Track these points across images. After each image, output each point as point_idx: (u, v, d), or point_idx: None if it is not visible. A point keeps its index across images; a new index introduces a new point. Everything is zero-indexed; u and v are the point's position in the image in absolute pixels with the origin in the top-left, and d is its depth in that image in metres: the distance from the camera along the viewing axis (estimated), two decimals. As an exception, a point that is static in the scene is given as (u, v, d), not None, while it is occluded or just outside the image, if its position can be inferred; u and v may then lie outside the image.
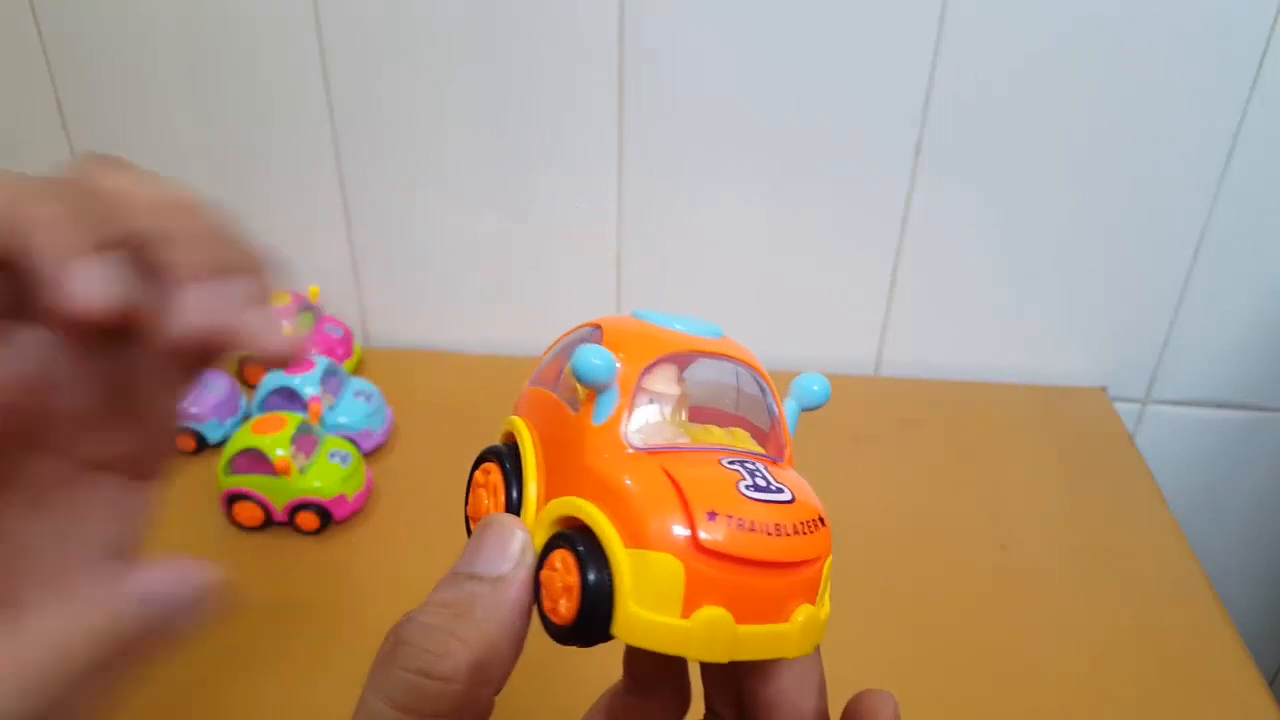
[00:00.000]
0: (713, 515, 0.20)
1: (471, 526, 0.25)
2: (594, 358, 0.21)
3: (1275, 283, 0.65)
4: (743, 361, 0.24)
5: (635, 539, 0.20)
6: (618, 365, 0.22)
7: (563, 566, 0.21)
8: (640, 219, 0.66)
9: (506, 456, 0.24)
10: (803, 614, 0.22)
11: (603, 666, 0.28)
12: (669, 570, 0.20)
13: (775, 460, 0.24)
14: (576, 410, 0.22)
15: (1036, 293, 0.67)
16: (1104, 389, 0.70)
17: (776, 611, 0.21)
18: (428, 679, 0.20)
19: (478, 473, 0.25)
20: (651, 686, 0.27)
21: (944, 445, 0.64)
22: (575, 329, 0.25)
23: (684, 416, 0.23)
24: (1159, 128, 0.61)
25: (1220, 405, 0.70)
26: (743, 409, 0.24)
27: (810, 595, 0.22)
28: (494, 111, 0.63)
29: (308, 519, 0.54)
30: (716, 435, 0.23)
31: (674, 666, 0.27)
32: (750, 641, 0.21)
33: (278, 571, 0.53)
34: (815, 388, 0.25)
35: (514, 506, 0.23)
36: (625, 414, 0.22)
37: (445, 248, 0.69)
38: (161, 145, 0.67)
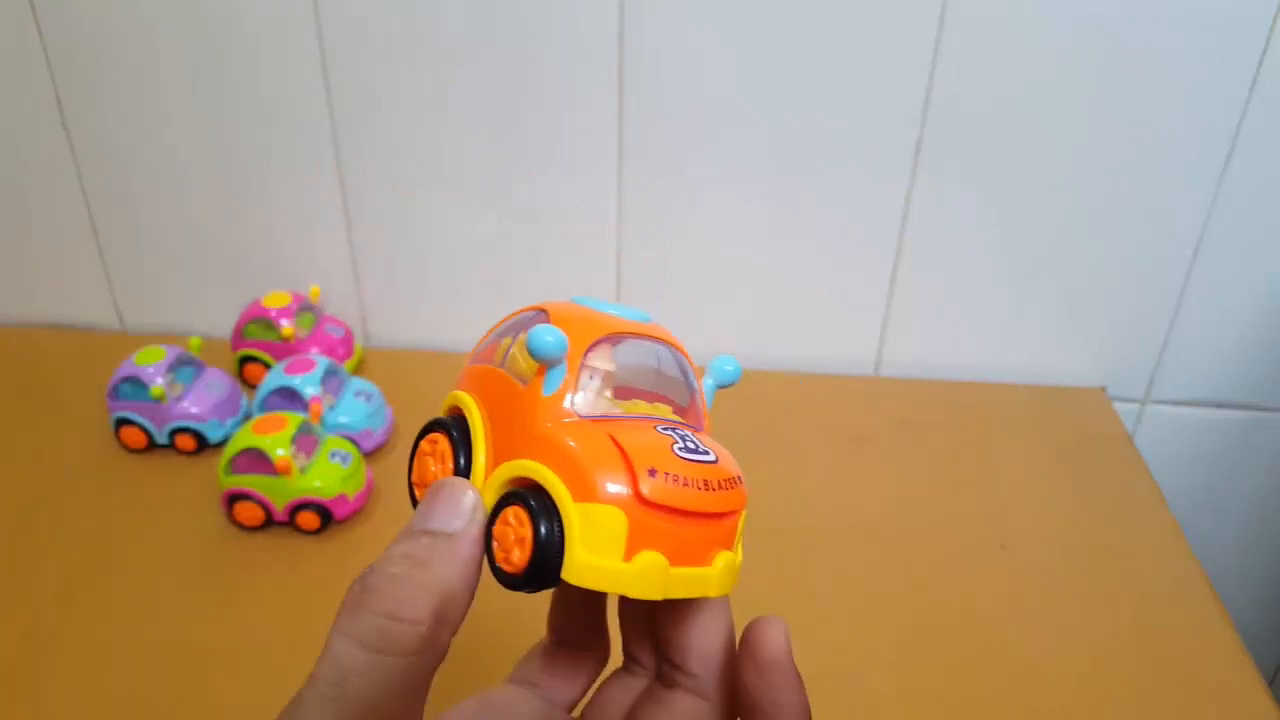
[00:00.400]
0: (652, 472, 0.23)
1: (416, 493, 0.27)
2: (548, 335, 0.24)
3: (1275, 283, 0.65)
4: (669, 343, 0.27)
5: (584, 494, 0.23)
6: (568, 343, 0.24)
7: (516, 521, 0.24)
8: (640, 219, 0.67)
9: (453, 426, 0.26)
10: (723, 559, 0.25)
11: (533, 622, 0.31)
12: (614, 520, 0.23)
13: (697, 429, 0.27)
14: (526, 384, 0.25)
15: (1036, 293, 0.67)
16: (1104, 389, 0.70)
17: (701, 556, 0.25)
18: (396, 621, 0.22)
19: (424, 442, 0.27)
20: (574, 640, 0.30)
21: (944, 445, 0.64)
22: (517, 312, 0.28)
23: (609, 393, 0.26)
24: (1159, 128, 0.61)
25: (1220, 405, 0.70)
26: (662, 387, 0.27)
27: (728, 543, 0.25)
28: (494, 111, 0.63)
29: (308, 519, 0.54)
30: (644, 408, 0.26)
31: (594, 621, 0.30)
32: (680, 581, 0.24)
33: (278, 571, 0.53)
34: (728, 368, 0.28)
35: (462, 471, 0.26)
36: (571, 387, 0.24)
37: (445, 248, 0.69)
38: (161, 145, 0.67)
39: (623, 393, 0.26)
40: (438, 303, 0.71)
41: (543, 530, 0.23)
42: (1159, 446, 0.71)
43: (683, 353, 0.27)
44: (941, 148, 0.62)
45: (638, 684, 0.29)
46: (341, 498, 0.54)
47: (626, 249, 0.68)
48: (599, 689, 0.30)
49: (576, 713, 0.30)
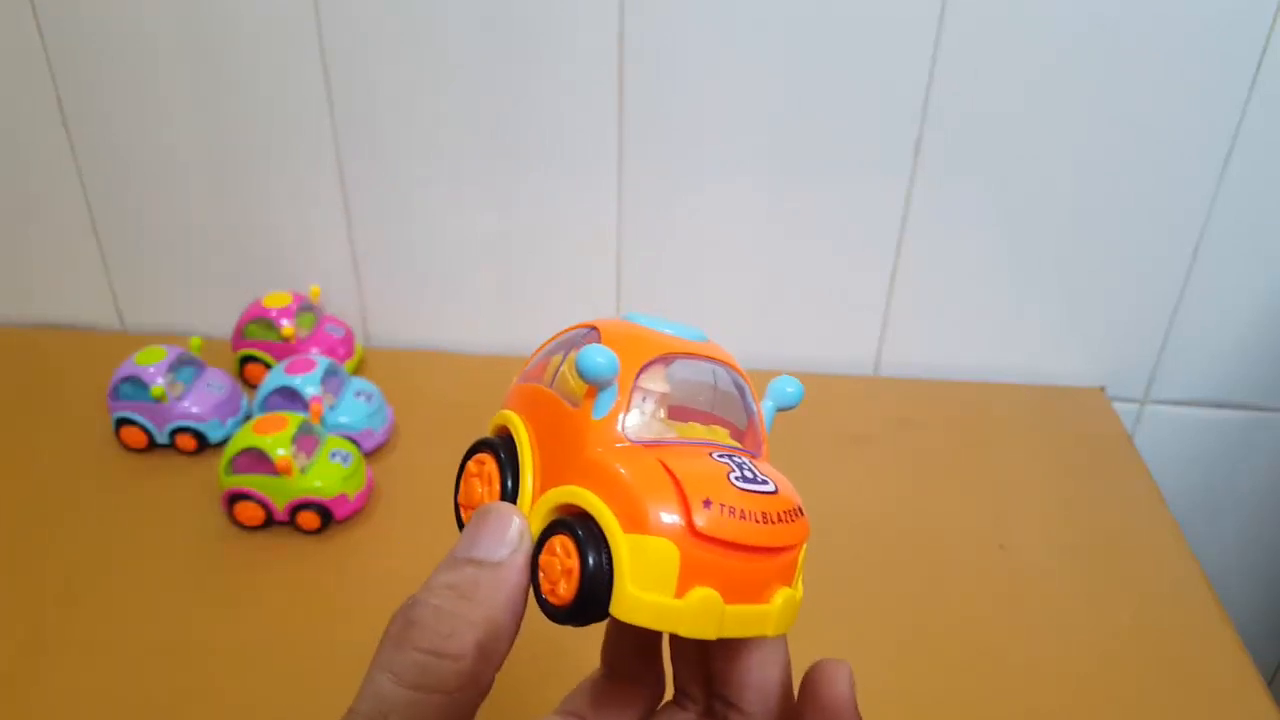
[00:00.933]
0: (707, 503, 0.22)
1: (462, 515, 0.26)
2: (598, 356, 0.22)
3: (1275, 283, 0.65)
4: (726, 363, 0.26)
5: (634, 525, 0.22)
6: (619, 364, 0.23)
7: (563, 551, 0.23)
8: (640, 219, 0.67)
9: (501, 447, 0.25)
10: (782, 596, 0.24)
11: (581, 653, 0.30)
12: (665, 554, 0.22)
13: (754, 455, 0.25)
14: (576, 406, 0.24)
15: (1036, 293, 0.67)
16: (1103, 389, 0.70)
17: (759, 593, 0.23)
18: (438, 658, 0.21)
19: (470, 463, 0.26)
20: (627, 672, 0.29)
21: (943, 445, 0.64)
22: (568, 329, 0.27)
23: (664, 414, 0.24)
24: (1159, 128, 0.61)
25: (1219, 405, 0.70)
26: (718, 408, 0.26)
27: (788, 578, 0.24)
28: (494, 111, 0.63)
29: (309, 518, 0.54)
30: (699, 432, 0.25)
31: (649, 653, 0.29)
32: (736, 620, 0.23)
33: (278, 571, 0.53)
34: (790, 389, 0.27)
35: (509, 495, 0.25)
36: (623, 410, 0.23)
37: (446, 248, 0.69)
38: (161, 145, 0.67)
39: (678, 413, 0.25)
40: (438, 303, 0.71)
41: (590, 562, 0.22)
42: (1158, 446, 0.71)
43: (740, 373, 0.26)
44: (941, 148, 0.62)
45: (688, 719, 0.28)
46: (342, 498, 0.54)
47: (626, 249, 0.68)
48: (645, 716, 0.29)
49: None
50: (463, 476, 0.26)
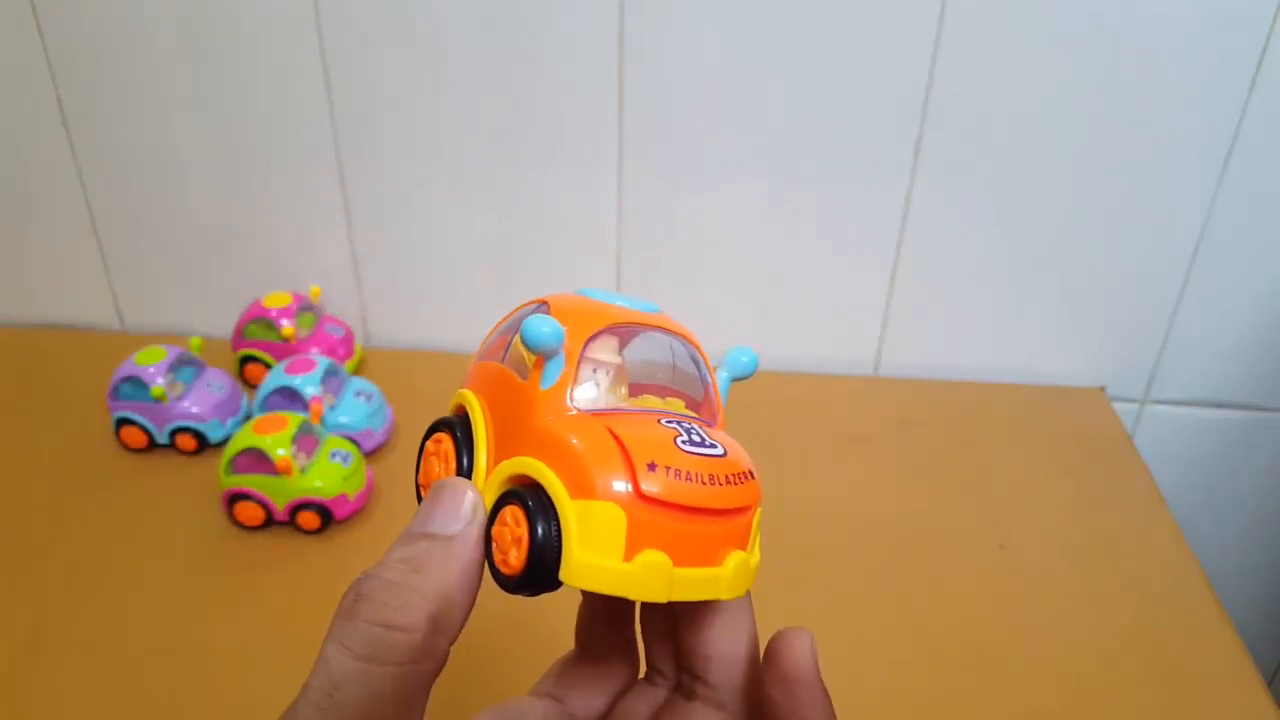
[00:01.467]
0: (652, 466, 0.22)
1: (422, 493, 0.26)
2: (542, 325, 0.23)
3: (1275, 283, 0.65)
4: (678, 334, 0.26)
5: (580, 490, 0.22)
6: (564, 333, 0.23)
7: (513, 520, 0.23)
8: (640, 219, 0.67)
9: (457, 426, 0.26)
10: (734, 559, 0.24)
11: (557, 635, 0.30)
12: (612, 517, 0.22)
13: (709, 424, 0.25)
14: (525, 378, 0.24)
15: (1036, 293, 0.67)
16: (1103, 389, 0.70)
17: (710, 556, 0.23)
18: (388, 630, 0.21)
19: (429, 442, 0.27)
20: (600, 651, 0.29)
21: (943, 445, 0.64)
22: (522, 306, 0.27)
23: (624, 391, 0.25)
24: (1159, 128, 0.61)
25: (1219, 405, 0.70)
26: (677, 382, 0.26)
27: (742, 542, 0.24)
28: (494, 112, 0.63)
29: (309, 518, 0.54)
30: (654, 404, 0.25)
31: (621, 630, 0.29)
32: (686, 583, 0.23)
33: (278, 571, 0.53)
34: (744, 359, 0.27)
35: (465, 471, 0.25)
36: (571, 379, 0.23)
37: (446, 248, 0.69)
38: (161, 145, 0.67)
39: (636, 389, 0.25)
40: (438, 303, 0.71)
41: (539, 530, 0.22)
42: (1159, 446, 0.71)
43: (694, 344, 0.26)
44: (941, 148, 0.62)
45: (658, 694, 0.28)
46: (342, 498, 0.54)
47: (626, 249, 0.68)
48: (619, 700, 0.29)
49: None
50: (422, 457, 0.27)
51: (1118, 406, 0.69)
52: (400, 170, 0.66)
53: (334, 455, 0.55)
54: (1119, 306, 0.67)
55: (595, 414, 0.23)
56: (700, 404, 0.26)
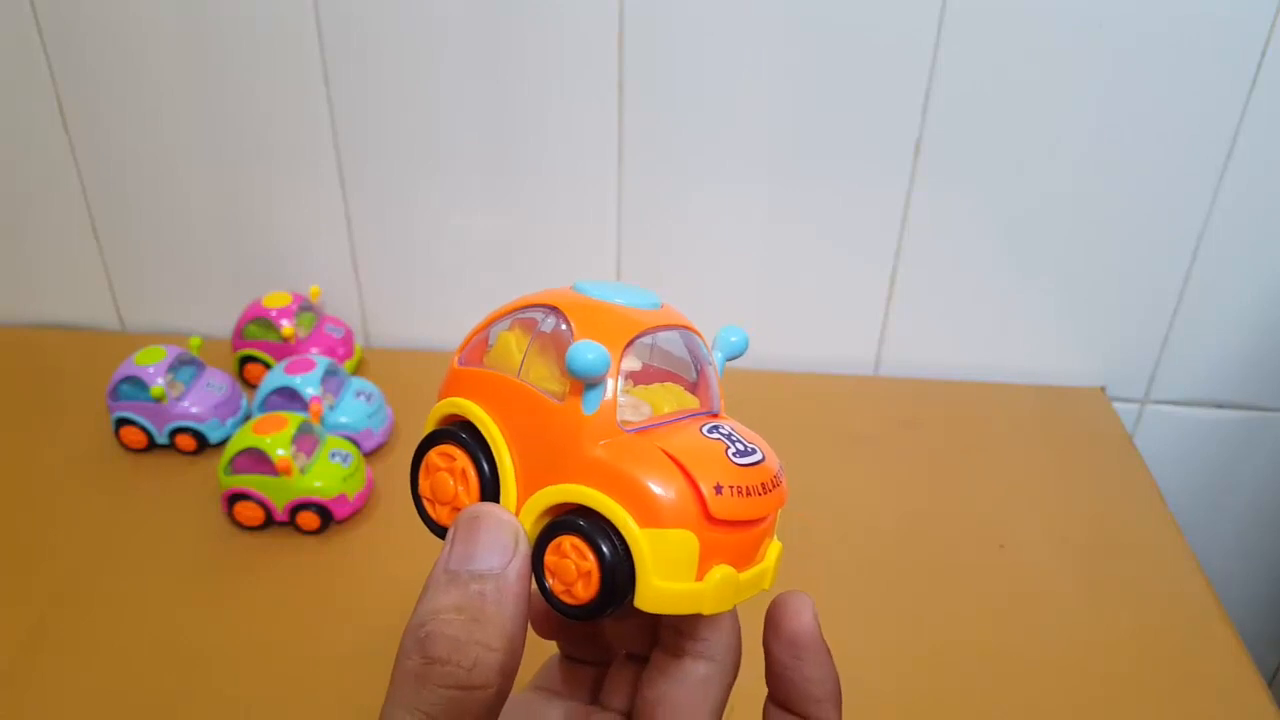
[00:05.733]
0: (718, 489, 0.22)
1: (429, 509, 0.26)
2: (588, 353, 0.22)
3: (1275, 283, 0.65)
4: (685, 328, 0.26)
5: (651, 519, 0.22)
6: (610, 360, 0.23)
7: (575, 553, 0.23)
8: (640, 219, 0.67)
9: (469, 441, 0.25)
10: (773, 551, 0.25)
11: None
12: (686, 544, 0.22)
13: (717, 413, 0.26)
14: (560, 401, 0.23)
15: (1036, 293, 0.67)
16: (1103, 389, 0.70)
17: (756, 553, 0.24)
18: (466, 692, 0.21)
19: (434, 455, 0.25)
20: (580, 653, 0.31)
21: (943, 445, 0.64)
22: (516, 305, 0.26)
23: (631, 384, 0.25)
24: (1158, 128, 0.61)
25: (1220, 405, 0.70)
26: (670, 364, 0.26)
27: (772, 533, 0.25)
28: (494, 112, 0.63)
29: (308, 519, 0.54)
30: (660, 395, 0.25)
31: (593, 632, 0.30)
32: (746, 586, 0.24)
33: (278, 571, 0.53)
34: (734, 339, 0.27)
35: (490, 493, 0.24)
36: (614, 401, 0.23)
37: (445, 248, 0.69)
38: (161, 145, 0.67)
39: (636, 377, 0.25)
40: (438, 303, 0.71)
41: (611, 563, 0.22)
42: (1158, 446, 0.71)
43: (696, 332, 0.26)
44: (941, 148, 0.62)
45: (638, 660, 0.29)
46: (342, 498, 0.54)
47: (626, 249, 0.68)
48: (609, 674, 0.30)
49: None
50: (423, 469, 0.26)
51: (1118, 406, 0.69)
52: (400, 170, 0.66)
53: (334, 455, 0.55)
54: (1119, 306, 0.67)
55: (641, 433, 0.23)
56: (695, 385, 0.26)
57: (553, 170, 0.65)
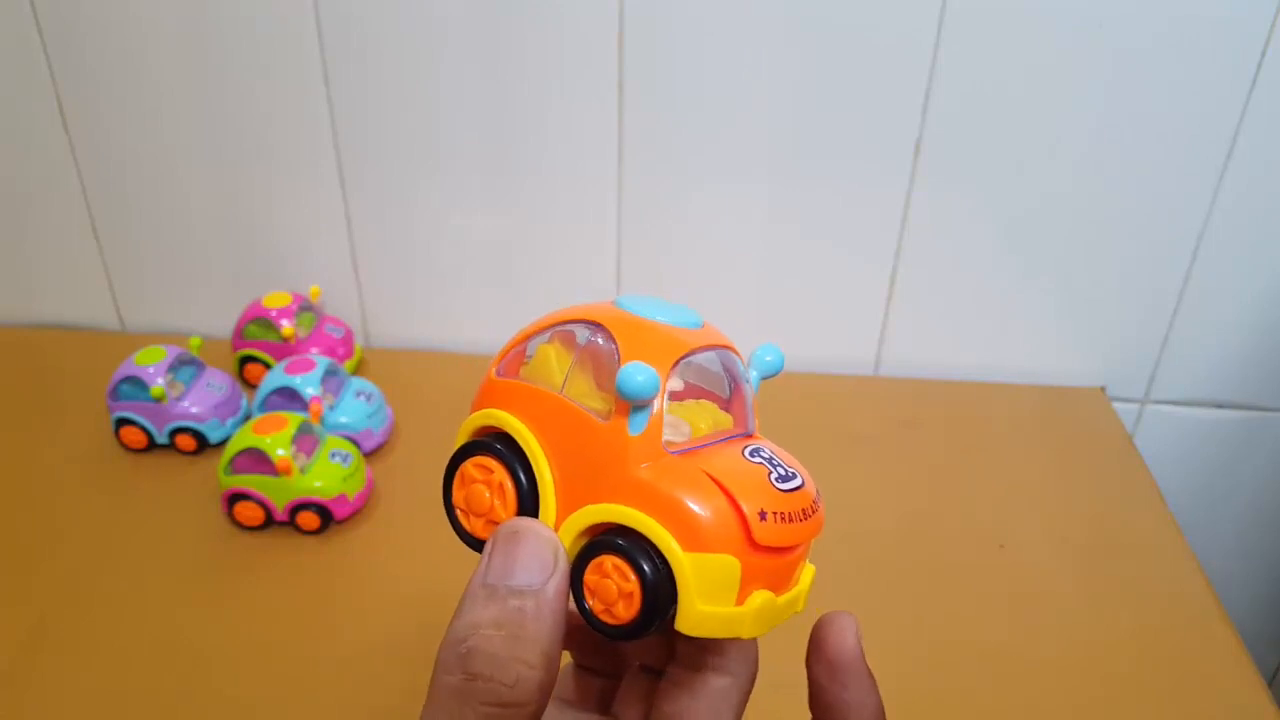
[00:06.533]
0: (763, 515, 0.22)
1: (463, 521, 0.25)
2: (638, 375, 0.22)
3: (1275, 283, 0.65)
4: (729, 348, 0.26)
5: (695, 544, 0.22)
6: (660, 381, 0.23)
7: (617, 573, 0.23)
8: (640, 219, 0.67)
9: (508, 454, 0.24)
10: (808, 573, 0.25)
11: None
12: (728, 569, 0.22)
13: (751, 434, 0.26)
14: (605, 420, 0.23)
15: (1036, 293, 0.67)
16: (1103, 389, 0.70)
17: (793, 577, 0.24)
18: (505, 708, 0.21)
19: (470, 466, 0.25)
20: (595, 664, 0.30)
21: (943, 445, 0.64)
22: (558, 319, 0.25)
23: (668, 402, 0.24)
24: (1159, 128, 0.61)
25: (1220, 405, 0.70)
26: (705, 381, 0.26)
27: (806, 555, 0.25)
28: (495, 112, 0.63)
29: (308, 519, 0.54)
30: (696, 412, 0.25)
31: (611, 645, 0.30)
32: (783, 608, 0.24)
33: (278, 571, 0.53)
34: (769, 358, 0.27)
35: (528, 507, 0.24)
36: (660, 423, 0.23)
37: (445, 248, 0.69)
38: (161, 145, 0.67)
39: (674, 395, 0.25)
40: (438, 303, 0.71)
41: (653, 585, 0.22)
42: (1158, 446, 0.71)
43: (734, 350, 0.26)
44: (941, 148, 0.62)
45: (653, 678, 0.29)
46: (342, 498, 0.54)
47: (626, 249, 0.68)
48: (622, 686, 0.30)
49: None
50: (458, 479, 0.25)
51: (1118, 406, 0.69)
52: (400, 170, 0.66)
53: (334, 455, 0.55)
54: (1119, 306, 0.67)
55: (685, 455, 0.23)
56: (729, 403, 0.26)
57: (553, 170, 0.65)
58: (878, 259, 0.67)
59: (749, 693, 0.27)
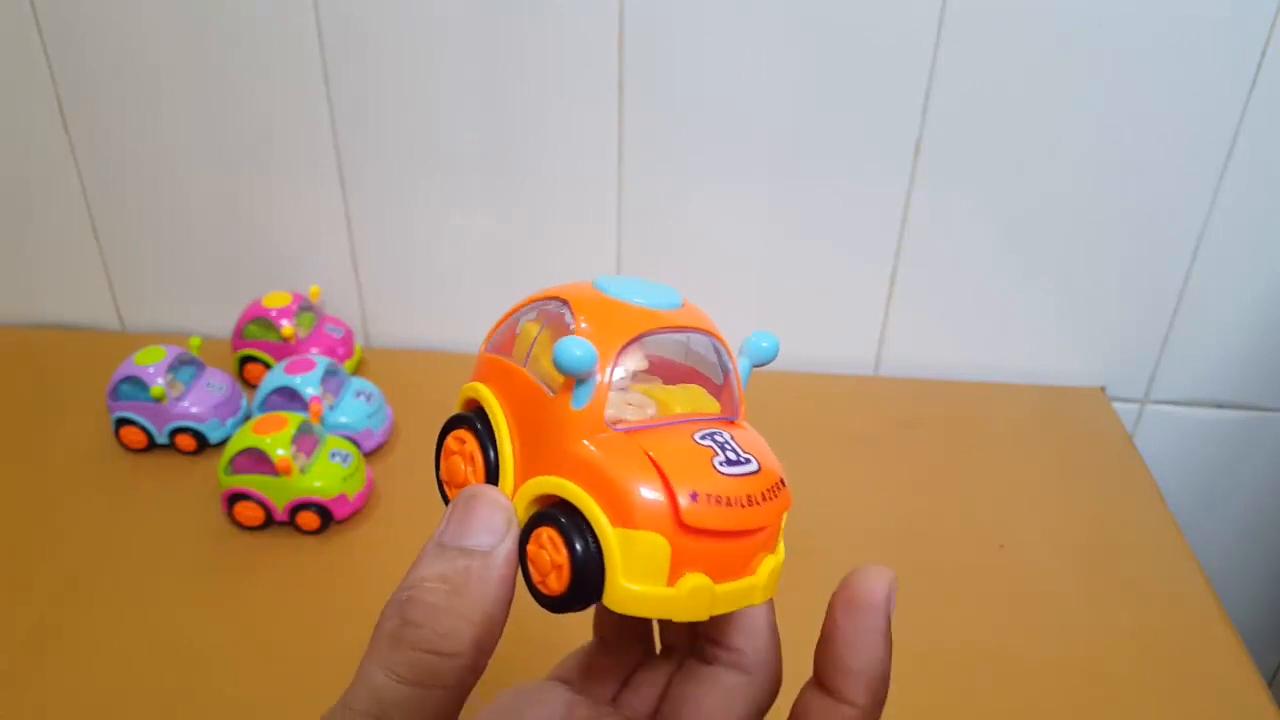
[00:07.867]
0: (694, 496, 0.22)
1: (447, 492, 0.26)
2: (575, 349, 0.22)
3: (1275, 283, 0.65)
4: (705, 330, 0.26)
5: (623, 519, 0.22)
6: (598, 357, 0.23)
7: (551, 545, 0.23)
8: (640, 219, 0.67)
9: (478, 423, 0.25)
10: (767, 565, 0.24)
11: (576, 625, 0.30)
12: (656, 547, 0.22)
13: (733, 420, 0.25)
14: (554, 393, 0.24)
15: (1036, 293, 0.67)
16: (1103, 389, 0.70)
17: (745, 567, 0.24)
18: (437, 656, 0.22)
19: (450, 439, 0.26)
20: (618, 643, 0.30)
21: (943, 445, 0.64)
22: (539, 297, 0.26)
23: (649, 388, 0.24)
24: (1159, 128, 0.61)
25: (1220, 405, 0.70)
26: (694, 363, 0.26)
27: (771, 546, 0.24)
28: (494, 112, 0.63)
29: (308, 519, 0.54)
30: (676, 395, 0.25)
31: (640, 624, 0.30)
32: (726, 597, 0.23)
33: (278, 571, 0.53)
34: (764, 344, 0.26)
35: (493, 478, 0.25)
36: (603, 399, 0.23)
37: (445, 248, 0.69)
38: (161, 145, 0.67)
39: (656, 368, 0.25)
40: (438, 303, 0.71)
41: (580, 557, 0.22)
42: (1158, 446, 0.71)
43: (717, 336, 0.26)
44: (941, 148, 0.62)
45: (668, 665, 0.29)
46: (342, 498, 0.54)
47: (626, 249, 0.68)
48: (631, 674, 0.30)
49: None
50: (443, 452, 0.26)
51: (1118, 406, 0.69)
52: (400, 170, 0.66)
53: (334, 455, 0.55)
54: (1119, 306, 0.67)
55: (629, 433, 0.23)
56: (720, 389, 0.26)
57: (553, 170, 0.65)
58: (878, 259, 0.67)
59: (767, 700, 0.27)
